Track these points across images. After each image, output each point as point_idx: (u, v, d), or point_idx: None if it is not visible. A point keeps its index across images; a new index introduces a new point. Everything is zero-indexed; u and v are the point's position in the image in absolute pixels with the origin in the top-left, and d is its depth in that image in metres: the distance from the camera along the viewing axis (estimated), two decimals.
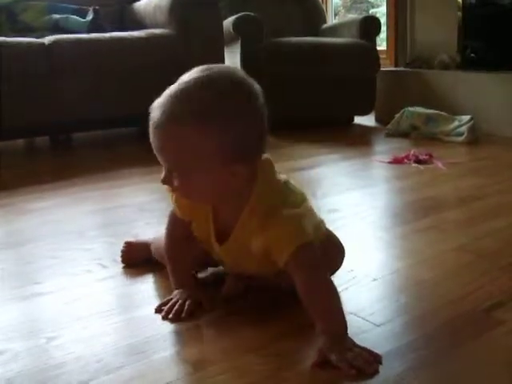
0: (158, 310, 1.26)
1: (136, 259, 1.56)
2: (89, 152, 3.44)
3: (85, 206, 2.20)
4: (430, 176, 2.57)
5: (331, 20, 5.77)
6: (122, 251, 1.57)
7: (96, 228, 1.92)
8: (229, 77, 1.12)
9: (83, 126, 3.54)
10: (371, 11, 6.73)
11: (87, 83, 3.32)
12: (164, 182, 1.16)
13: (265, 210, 1.15)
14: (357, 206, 2.13)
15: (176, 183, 1.14)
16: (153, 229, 1.75)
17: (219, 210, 1.25)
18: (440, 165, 2.73)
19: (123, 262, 1.56)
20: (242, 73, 1.15)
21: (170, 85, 1.15)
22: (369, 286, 1.39)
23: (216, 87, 1.09)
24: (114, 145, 3.64)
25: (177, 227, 1.34)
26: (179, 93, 1.10)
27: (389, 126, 3.72)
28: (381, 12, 6.66)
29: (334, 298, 1.13)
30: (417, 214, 1.99)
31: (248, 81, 1.13)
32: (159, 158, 1.15)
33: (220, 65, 1.19)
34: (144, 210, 2.09)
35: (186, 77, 1.12)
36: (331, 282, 1.15)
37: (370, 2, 6.82)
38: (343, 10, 6.77)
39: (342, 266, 1.41)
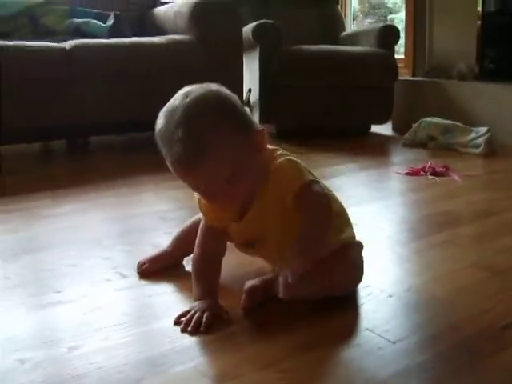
0: (177, 322, 1.29)
1: (154, 271, 1.59)
2: (106, 156, 3.48)
3: (102, 212, 2.23)
4: (446, 189, 2.57)
5: (350, 25, 5.79)
6: (139, 268, 1.59)
7: (114, 236, 1.94)
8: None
9: (102, 130, 3.59)
10: (389, 17, 6.73)
11: (107, 87, 3.35)
12: (210, 201, 1.30)
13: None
14: (374, 219, 2.14)
15: (222, 195, 1.25)
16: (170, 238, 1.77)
17: None
18: (456, 177, 2.74)
19: (141, 276, 1.58)
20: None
21: None
22: (385, 302, 1.40)
23: (205, 102, 1.23)
24: (132, 150, 3.68)
25: (208, 240, 1.43)
26: (184, 119, 1.20)
27: (406, 136, 3.73)
28: (399, 18, 6.65)
29: (319, 228, 1.27)
30: (432, 229, 2.00)
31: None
32: (194, 184, 1.27)
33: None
34: (163, 218, 2.11)
35: (174, 103, 1.24)
36: (327, 218, 1.29)
37: (388, 8, 6.81)
38: (361, 15, 6.78)
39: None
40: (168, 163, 1.24)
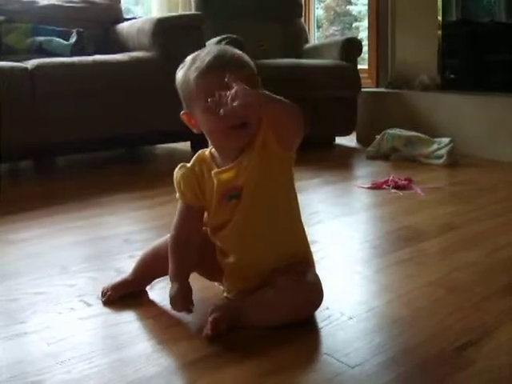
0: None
1: (117, 299, 1.59)
2: (74, 176, 3.46)
3: (69, 236, 2.23)
4: (409, 203, 2.61)
5: (314, 34, 5.83)
6: (103, 296, 1.60)
7: (80, 261, 1.94)
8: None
9: (68, 150, 3.57)
10: (354, 25, 6.78)
11: (71, 106, 3.35)
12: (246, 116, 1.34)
13: None
14: (336, 235, 2.18)
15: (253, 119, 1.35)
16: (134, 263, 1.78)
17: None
18: (419, 191, 2.78)
19: (105, 304, 1.59)
20: None
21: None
22: (344, 325, 1.42)
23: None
24: (100, 169, 3.68)
25: (184, 221, 1.48)
26: (228, 48, 1.43)
27: (370, 148, 3.78)
28: (364, 26, 6.70)
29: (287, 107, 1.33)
30: (394, 246, 2.04)
31: None
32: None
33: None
34: (128, 241, 2.12)
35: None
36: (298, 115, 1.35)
37: (353, 16, 6.86)
38: (327, 23, 6.82)
39: None
40: (208, 67, 1.35)
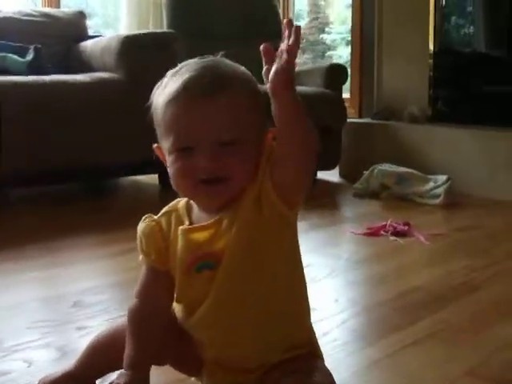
0: None
1: None
2: (28, 213, 2.96)
3: (13, 294, 1.81)
4: (413, 255, 2.26)
5: None
6: None
7: (17, 335, 1.50)
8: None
9: (18, 182, 3.12)
10: (328, 53, 6.59)
11: (25, 131, 2.95)
12: (214, 160, 0.96)
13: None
14: (331, 302, 1.76)
15: (228, 160, 0.97)
16: (83, 339, 1.38)
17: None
18: (422, 238, 2.42)
19: None
20: None
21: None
22: None
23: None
24: (57, 205, 3.17)
25: (149, 287, 1.10)
26: (215, 63, 1.03)
27: (357, 185, 3.42)
28: (337, 55, 6.50)
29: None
30: (406, 316, 1.64)
31: None
32: (197, 135, 0.97)
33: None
34: (79, 304, 1.69)
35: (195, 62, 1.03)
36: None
37: (326, 45, 6.67)
38: (299, 51, 6.58)
39: None
40: (181, 89, 0.98)
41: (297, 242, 1.08)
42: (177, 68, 1.03)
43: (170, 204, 1.11)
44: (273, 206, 0.98)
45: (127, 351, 1.06)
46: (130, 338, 1.07)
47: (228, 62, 1.04)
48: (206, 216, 1.04)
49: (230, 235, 0.99)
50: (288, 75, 0.90)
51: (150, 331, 1.08)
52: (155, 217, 1.10)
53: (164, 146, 1.02)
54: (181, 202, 1.10)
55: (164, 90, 1.01)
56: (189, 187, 1.00)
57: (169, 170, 1.02)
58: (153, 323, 1.08)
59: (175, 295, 1.08)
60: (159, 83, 1.05)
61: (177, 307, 1.10)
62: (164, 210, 1.11)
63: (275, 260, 1.03)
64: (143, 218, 1.11)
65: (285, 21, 0.92)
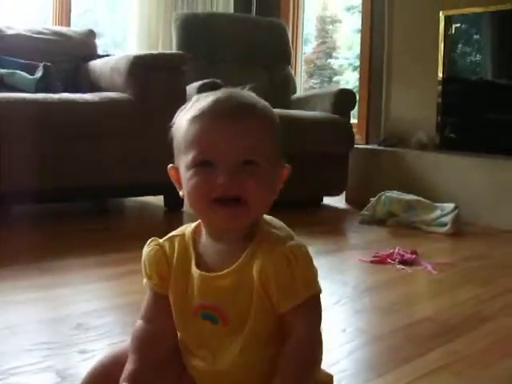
0: None
1: None
2: (28, 232, 2.90)
3: (12, 314, 1.76)
4: (422, 284, 2.23)
5: (300, 86, 5.48)
6: None
7: (17, 357, 1.46)
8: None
9: (23, 199, 3.09)
10: (334, 79, 6.58)
11: (32, 149, 2.92)
12: (233, 177, 0.94)
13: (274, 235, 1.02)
14: (340, 332, 1.73)
15: (246, 180, 0.95)
16: (85, 362, 1.34)
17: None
18: (429, 267, 2.39)
19: None
20: None
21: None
22: None
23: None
24: (60, 224, 3.14)
25: (153, 311, 1.08)
26: (241, 92, 1.02)
27: (364, 212, 3.39)
28: (344, 80, 6.50)
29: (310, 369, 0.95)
30: (417, 347, 1.60)
31: None
32: (219, 150, 0.95)
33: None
34: (82, 327, 1.65)
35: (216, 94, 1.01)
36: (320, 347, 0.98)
37: (333, 69, 6.66)
38: (305, 76, 6.58)
39: None
40: (208, 108, 0.97)
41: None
42: (203, 94, 1.02)
43: (178, 229, 1.09)
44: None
45: (127, 366, 1.04)
46: (131, 355, 1.05)
47: (253, 94, 1.03)
48: (212, 245, 1.02)
49: (252, 291, 0.97)
50: None
51: (152, 351, 1.06)
52: (160, 240, 1.08)
53: (182, 164, 1.00)
54: (188, 228, 1.08)
55: (189, 111, 1.00)
56: (204, 206, 0.97)
57: (185, 187, 0.99)
58: (155, 344, 1.06)
59: (178, 332, 1.06)
60: (183, 106, 1.04)
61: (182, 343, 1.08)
62: (170, 234, 1.09)
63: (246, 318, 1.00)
64: (148, 241, 1.09)
65: None
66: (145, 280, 1.08)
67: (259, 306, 0.97)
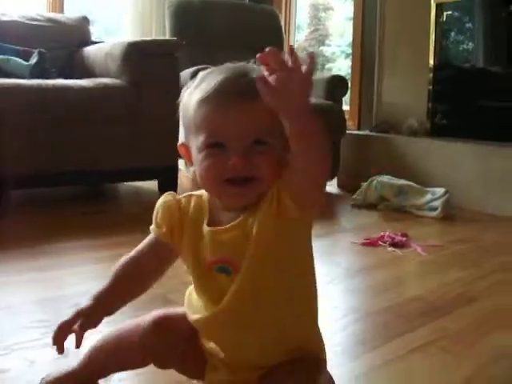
0: None
1: None
2: (24, 216, 2.95)
3: (11, 294, 1.81)
4: (412, 265, 2.28)
5: None
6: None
7: (18, 334, 1.51)
8: None
9: (20, 183, 3.11)
10: (327, 66, 6.60)
11: (28, 134, 2.94)
12: (244, 158, 0.96)
13: None
14: (335, 307, 1.80)
15: (257, 160, 0.98)
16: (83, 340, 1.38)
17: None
18: (419, 249, 2.44)
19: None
20: None
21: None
22: None
23: None
24: (56, 207, 3.19)
25: (148, 249, 1.12)
26: (247, 68, 1.02)
27: (356, 196, 3.44)
28: (337, 67, 6.53)
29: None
30: (407, 324, 1.66)
31: None
32: (231, 132, 0.97)
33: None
34: (79, 306, 1.69)
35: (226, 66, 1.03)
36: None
37: (326, 57, 6.69)
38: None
39: None
40: (217, 88, 0.98)
41: (311, 243, 1.08)
42: (208, 70, 1.03)
43: (199, 191, 1.11)
44: (287, 210, 0.98)
45: (102, 287, 1.11)
46: (112, 277, 1.11)
47: (258, 67, 1.00)
48: (225, 213, 1.05)
49: (250, 240, 0.99)
50: (311, 85, 0.91)
51: (133, 281, 1.11)
52: (178, 195, 1.12)
53: (193, 145, 1.02)
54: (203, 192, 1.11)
55: (196, 89, 1.01)
56: (217, 185, 1.00)
57: (197, 168, 1.02)
58: (139, 276, 1.11)
59: (195, 288, 1.09)
60: (189, 83, 1.06)
61: (192, 305, 1.11)
62: (189, 192, 1.12)
63: (291, 264, 1.04)
64: (165, 194, 1.12)
65: (288, 48, 0.92)
66: (152, 227, 1.11)
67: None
